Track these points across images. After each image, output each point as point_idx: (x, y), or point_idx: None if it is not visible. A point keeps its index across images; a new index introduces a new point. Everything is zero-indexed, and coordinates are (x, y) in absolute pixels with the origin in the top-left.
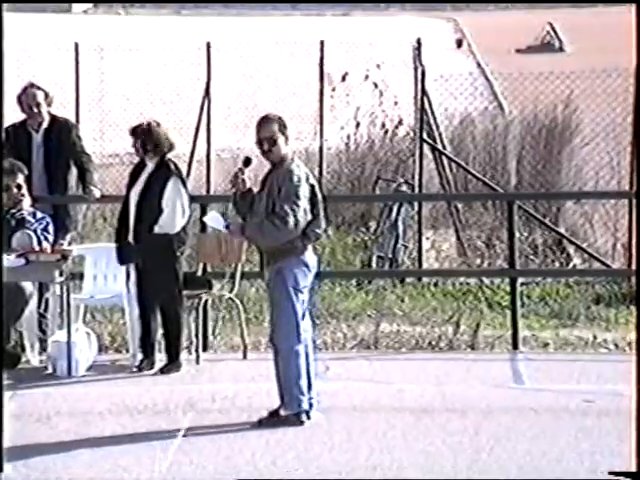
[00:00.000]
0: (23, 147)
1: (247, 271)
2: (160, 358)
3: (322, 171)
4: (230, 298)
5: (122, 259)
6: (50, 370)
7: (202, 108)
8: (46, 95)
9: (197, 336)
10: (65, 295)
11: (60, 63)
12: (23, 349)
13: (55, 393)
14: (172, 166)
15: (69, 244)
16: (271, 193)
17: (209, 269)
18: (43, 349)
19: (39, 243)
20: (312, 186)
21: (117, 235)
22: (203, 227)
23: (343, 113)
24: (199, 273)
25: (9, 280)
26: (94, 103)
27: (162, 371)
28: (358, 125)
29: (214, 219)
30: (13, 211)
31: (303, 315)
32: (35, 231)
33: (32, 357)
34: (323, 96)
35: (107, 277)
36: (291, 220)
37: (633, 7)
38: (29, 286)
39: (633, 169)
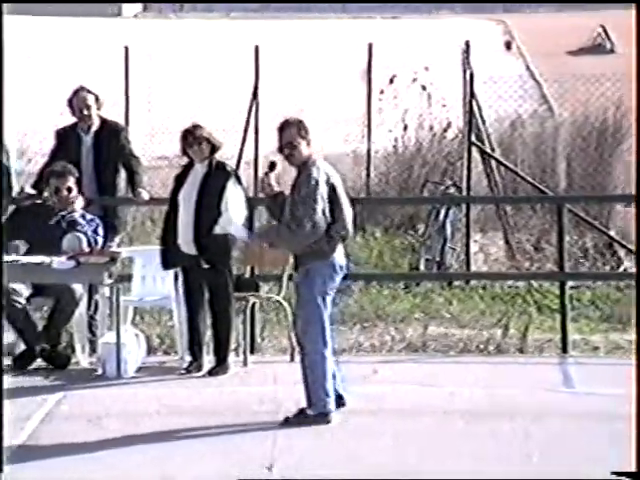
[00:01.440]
0: (73, 150)
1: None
2: (208, 360)
3: (370, 174)
4: (278, 301)
5: (167, 263)
6: (100, 371)
7: (250, 111)
8: (96, 98)
9: (245, 338)
10: (114, 297)
11: (110, 67)
12: (73, 350)
13: (104, 394)
14: (228, 167)
15: (118, 246)
16: (293, 197)
17: (256, 271)
18: (93, 350)
19: (89, 245)
20: (333, 188)
21: (163, 238)
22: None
23: (391, 116)
24: (246, 275)
25: (60, 282)
26: (143, 106)
27: (210, 373)
28: (406, 128)
29: (237, 229)
30: (63, 213)
31: (325, 319)
32: (85, 233)
33: (82, 358)
34: (371, 99)
35: (155, 279)
36: (307, 223)
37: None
38: (79, 288)
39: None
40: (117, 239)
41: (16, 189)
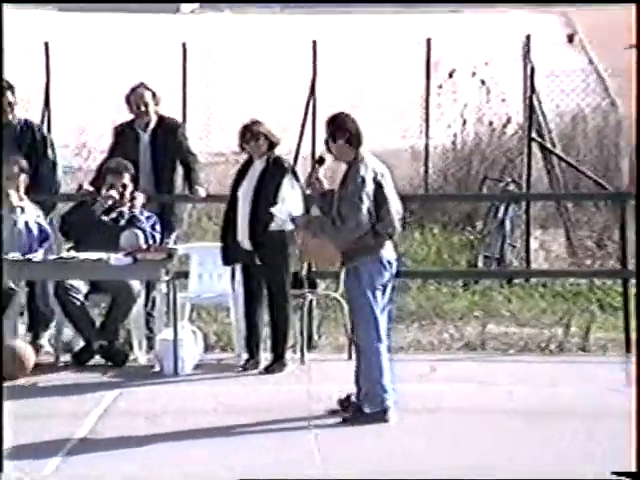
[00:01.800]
0: (131, 147)
1: None
2: (265, 357)
3: (428, 170)
4: (335, 298)
5: (227, 259)
6: (157, 368)
7: (307, 106)
8: (154, 95)
9: (302, 335)
10: (171, 294)
11: (168, 63)
12: (131, 347)
13: (161, 391)
14: (285, 163)
15: (175, 243)
16: (340, 192)
17: (314, 268)
18: (150, 347)
19: (146, 242)
20: (380, 185)
21: (223, 235)
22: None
23: (450, 111)
24: (303, 272)
25: (117, 278)
26: (200, 102)
27: (267, 370)
28: (465, 123)
29: (282, 211)
30: (122, 210)
31: (382, 312)
32: (143, 230)
33: (139, 355)
34: (429, 94)
35: (212, 276)
36: (350, 222)
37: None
38: (137, 284)
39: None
40: (174, 236)
41: (66, 184)
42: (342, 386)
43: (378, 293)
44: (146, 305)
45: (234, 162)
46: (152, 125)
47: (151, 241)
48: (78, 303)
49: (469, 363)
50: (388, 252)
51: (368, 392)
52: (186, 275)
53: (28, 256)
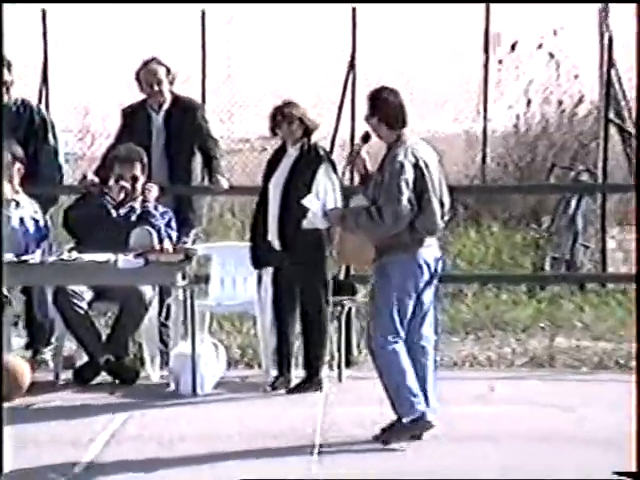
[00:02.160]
0: (142, 131)
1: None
2: (297, 375)
3: (486, 157)
4: None
5: (258, 262)
6: (172, 387)
7: (346, 84)
8: (168, 71)
9: (340, 350)
10: (189, 301)
11: (184, 35)
12: (142, 363)
13: (178, 414)
14: (321, 151)
15: (193, 242)
16: (376, 182)
17: (352, 272)
18: (164, 363)
19: (160, 241)
20: (422, 173)
21: (252, 233)
22: None
23: (512, 89)
24: (341, 277)
25: (126, 283)
26: (221, 81)
27: (299, 390)
28: (529, 103)
29: (313, 203)
30: (133, 204)
31: (404, 321)
32: (157, 227)
33: (152, 372)
34: (488, 69)
35: (236, 281)
36: (389, 215)
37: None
38: (149, 291)
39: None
40: (192, 234)
41: (69, 174)
42: (386, 408)
43: (408, 299)
44: (159, 314)
45: (260, 149)
46: (166, 106)
47: (166, 240)
48: (81, 312)
49: (534, 382)
50: (428, 251)
51: (395, 399)
52: (206, 280)
53: (23, 258)
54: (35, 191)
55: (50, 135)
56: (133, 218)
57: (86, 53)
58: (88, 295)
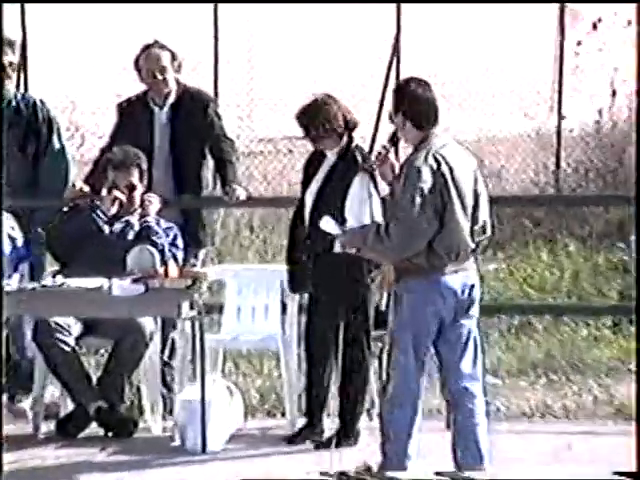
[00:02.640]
0: (142, 129)
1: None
2: (329, 425)
3: (560, 162)
4: None
5: (295, 285)
6: (177, 441)
7: (388, 76)
8: (173, 57)
9: (381, 395)
10: (198, 335)
11: (194, 16)
12: (141, 411)
13: (184, 474)
14: (359, 156)
15: (203, 264)
16: (395, 190)
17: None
18: (168, 411)
19: (163, 263)
20: (445, 181)
21: (289, 252)
22: None
23: (593, 78)
24: (383, 306)
25: (122, 315)
26: (239, 69)
27: (332, 443)
28: (614, 94)
29: (329, 224)
30: (129, 219)
31: (423, 365)
32: (160, 246)
33: (153, 423)
34: (564, 54)
35: (255, 310)
36: (397, 232)
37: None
38: (149, 323)
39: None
40: (202, 254)
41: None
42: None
43: (424, 339)
44: (162, 352)
45: (286, 151)
46: (172, 99)
47: (170, 262)
48: (67, 349)
49: (622, 438)
50: (454, 277)
51: (387, 453)
52: (219, 309)
53: None
54: (34, 203)
55: (55, 136)
56: (130, 235)
57: (72, 37)
58: (76, 329)
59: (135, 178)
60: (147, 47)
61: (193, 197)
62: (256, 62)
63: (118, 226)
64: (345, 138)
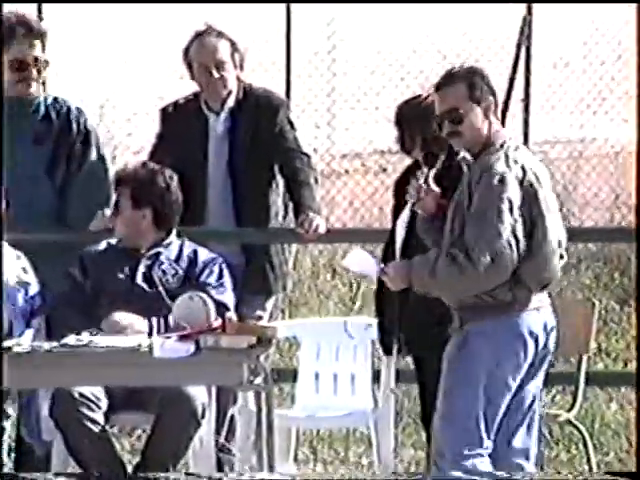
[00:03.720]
0: (193, 141)
1: (601, 371)
2: None
3: None
4: (569, 421)
5: (388, 344)
6: None
7: (514, 72)
8: (234, 48)
9: None
10: (264, 411)
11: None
12: None
13: None
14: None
15: (271, 317)
16: (458, 208)
17: None
18: None
19: (219, 315)
20: (535, 194)
21: (377, 301)
22: None
23: None
24: None
25: (166, 383)
26: (318, 70)
27: None
28: None
29: (358, 261)
30: (156, 251)
31: (492, 427)
32: (208, 291)
33: None
34: None
35: (338, 378)
36: (482, 256)
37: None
38: (201, 394)
39: None
40: (270, 304)
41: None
42: None
43: (504, 392)
44: (218, 432)
45: (377, 169)
46: (232, 102)
47: (227, 314)
48: (95, 429)
49: None
50: (535, 316)
51: None
52: (292, 377)
53: (6, 344)
54: (59, 237)
55: (93, 151)
56: (173, 282)
57: (100, 29)
58: (105, 402)
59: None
60: (199, 35)
61: (258, 229)
62: (339, 55)
63: (145, 263)
64: (446, 150)
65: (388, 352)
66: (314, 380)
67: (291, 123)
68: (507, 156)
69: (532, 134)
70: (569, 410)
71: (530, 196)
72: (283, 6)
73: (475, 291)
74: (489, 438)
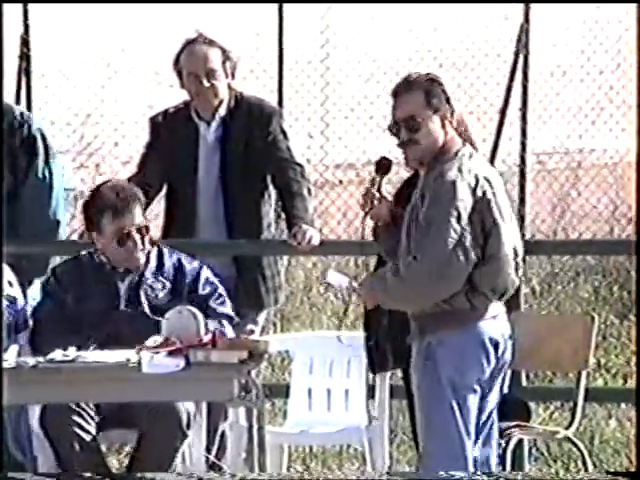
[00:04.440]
0: (183, 151)
1: (601, 387)
2: None
3: None
4: (568, 438)
5: (375, 362)
6: None
7: (512, 79)
8: (226, 56)
9: None
10: (256, 427)
11: (256, 13)
12: None
13: None
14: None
15: (263, 331)
16: (413, 215)
17: (525, 381)
18: None
19: (208, 330)
20: (488, 202)
21: (366, 317)
22: None
23: None
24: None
25: (155, 398)
26: (311, 78)
27: None
28: None
29: (336, 278)
30: (145, 274)
31: (477, 435)
32: (205, 306)
33: None
34: None
35: (331, 393)
36: (425, 264)
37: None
38: (189, 409)
39: None
40: (262, 318)
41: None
42: None
43: (471, 397)
44: (208, 449)
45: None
46: (223, 112)
47: (218, 328)
48: (87, 438)
49: None
50: (493, 325)
51: None
52: (285, 392)
53: None
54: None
55: (40, 163)
56: (158, 294)
57: (86, 35)
58: (94, 418)
59: (138, 217)
60: (190, 43)
61: (250, 241)
62: (333, 63)
63: (129, 279)
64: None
65: (373, 370)
66: (307, 395)
67: (284, 132)
68: (461, 164)
69: (529, 144)
70: (567, 427)
71: (483, 205)
72: (275, 13)
73: (426, 301)
74: (469, 439)
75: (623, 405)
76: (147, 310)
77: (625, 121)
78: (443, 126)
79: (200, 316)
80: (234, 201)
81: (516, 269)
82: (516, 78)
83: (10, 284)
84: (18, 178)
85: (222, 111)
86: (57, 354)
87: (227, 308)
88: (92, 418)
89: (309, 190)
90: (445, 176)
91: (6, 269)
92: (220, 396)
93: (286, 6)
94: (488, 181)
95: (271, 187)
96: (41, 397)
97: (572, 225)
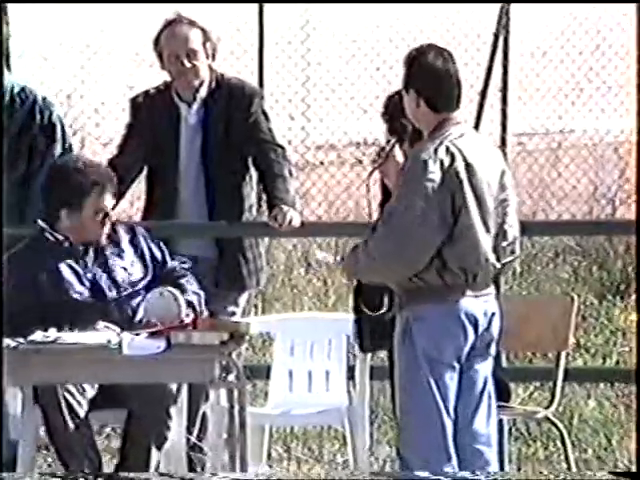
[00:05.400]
0: (164, 133)
1: (580, 367)
2: None
3: None
4: (548, 418)
5: (366, 341)
6: None
7: (489, 72)
8: (206, 37)
9: None
10: (237, 409)
11: None
12: None
13: None
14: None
15: (244, 312)
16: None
17: (504, 361)
18: None
19: (194, 311)
20: (460, 181)
21: (355, 297)
22: None
23: None
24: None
25: (135, 380)
26: (291, 59)
27: None
28: None
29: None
30: (111, 245)
31: (454, 409)
32: (183, 288)
33: None
34: None
35: (312, 375)
36: (387, 240)
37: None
38: (171, 389)
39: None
40: (242, 299)
41: None
42: None
43: (447, 373)
44: (189, 430)
45: (353, 162)
46: (204, 93)
47: (198, 308)
48: (83, 427)
49: None
50: (474, 302)
51: None
52: (265, 374)
53: None
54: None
55: (58, 149)
56: (119, 275)
57: (67, 16)
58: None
59: (108, 199)
60: (170, 23)
61: (231, 222)
62: (313, 44)
63: (99, 260)
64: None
65: (363, 349)
66: (288, 377)
67: (265, 114)
68: (440, 143)
69: (510, 125)
70: (547, 407)
71: (455, 184)
72: None
73: (391, 274)
74: (449, 417)
75: (602, 385)
76: (120, 281)
77: (604, 101)
78: (419, 107)
79: (181, 298)
80: (215, 183)
81: (498, 252)
82: (496, 59)
83: None
84: (35, 163)
85: (203, 92)
86: (38, 335)
87: (196, 294)
88: (81, 406)
89: (290, 172)
90: (418, 153)
91: None
92: (201, 377)
93: None
94: (467, 162)
95: (252, 169)
96: (21, 379)
97: (551, 206)
